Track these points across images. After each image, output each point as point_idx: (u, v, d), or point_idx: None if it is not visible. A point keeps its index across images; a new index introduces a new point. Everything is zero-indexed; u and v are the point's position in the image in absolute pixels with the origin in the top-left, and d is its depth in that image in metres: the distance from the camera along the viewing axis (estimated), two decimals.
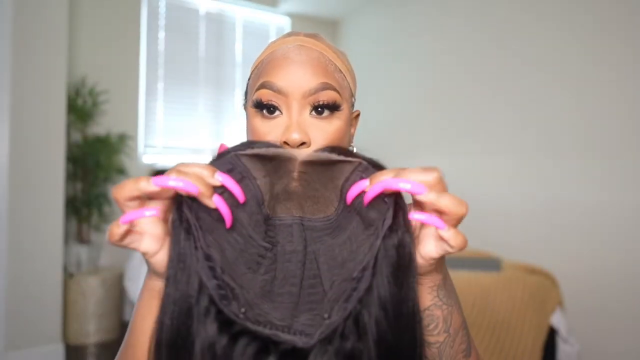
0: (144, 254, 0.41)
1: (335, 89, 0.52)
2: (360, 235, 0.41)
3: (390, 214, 0.38)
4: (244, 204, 0.42)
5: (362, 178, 0.42)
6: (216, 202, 0.39)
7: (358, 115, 0.63)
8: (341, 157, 0.44)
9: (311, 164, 0.46)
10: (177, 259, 0.37)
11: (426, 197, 0.37)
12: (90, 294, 2.45)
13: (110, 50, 2.89)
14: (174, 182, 0.36)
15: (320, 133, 0.51)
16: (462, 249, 0.38)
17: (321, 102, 0.51)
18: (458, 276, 1.83)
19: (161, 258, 0.40)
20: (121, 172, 2.76)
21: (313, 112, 0.52)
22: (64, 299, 2.39)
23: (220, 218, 0.40)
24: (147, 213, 0.38)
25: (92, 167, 2.57)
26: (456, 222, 0.38)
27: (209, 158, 0.44)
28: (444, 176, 0.38)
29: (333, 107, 0.52)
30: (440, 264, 0.44)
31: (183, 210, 0.38)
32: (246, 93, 0.59)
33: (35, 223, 2.14)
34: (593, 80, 2.03)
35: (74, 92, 2.64)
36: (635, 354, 1.85)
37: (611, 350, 1.93)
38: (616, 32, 1.95)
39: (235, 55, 3.46)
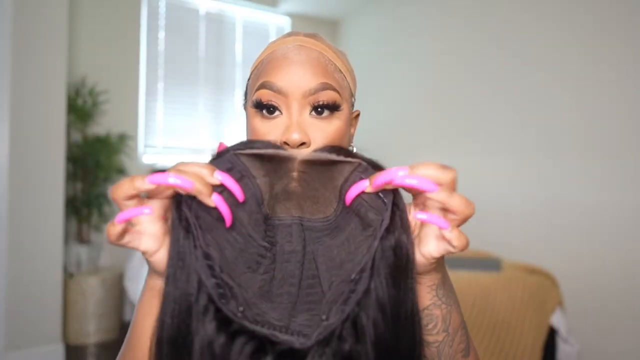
0: (143, 253, 0.41)
1: (335, 89, 0.52)
2: (358, 236, 0.41)
3: (388, 214, 0.38)
4: (244, 203, 0.42)
5: (361, 179, 0.41)
6: (215, 200, 0.39)
7: (358, 115, 0.63)
8: (341, 158, 0.44)
9: (311, 164, 0.45)
10: (176, 258, 0.37)
11: (437, 195, 0.37)
12: (90, 294, 2.45)
13: (110, 50, 2.89)
14: (173, 180, 0.37)
15: (320, 133, 0.51)
16: (464, 249, 0.38)
17: (321, 102, 0.51)
18: (458, 276, 1.83)
19: (161, 257, 0.41)
20: (121, 172, 2.75)
21: (313, 112, 0.51)
22: (64, 299, 2.39)
23: (219, 217, 0.40)
24: (143, 211, 0.39)
25: (92, 167, 2.57)
26: (461, 223, 0.38)
27: (209, 158, 0.43)
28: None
29: (333, 107, 0.52)
30: (440, 263, 0.44)
31: (182, 209, 0.38)
32: (246, 93, 0.59)
33: (35, 223, 2.14)
34: (593, 80, 2.03)
35: (74, 92, 2.64)
36: (635, 354, 1.84)
37: (611, 350, 1.93)
38: (616, 32, 1.95)
39: (235, 55, 3.46)
